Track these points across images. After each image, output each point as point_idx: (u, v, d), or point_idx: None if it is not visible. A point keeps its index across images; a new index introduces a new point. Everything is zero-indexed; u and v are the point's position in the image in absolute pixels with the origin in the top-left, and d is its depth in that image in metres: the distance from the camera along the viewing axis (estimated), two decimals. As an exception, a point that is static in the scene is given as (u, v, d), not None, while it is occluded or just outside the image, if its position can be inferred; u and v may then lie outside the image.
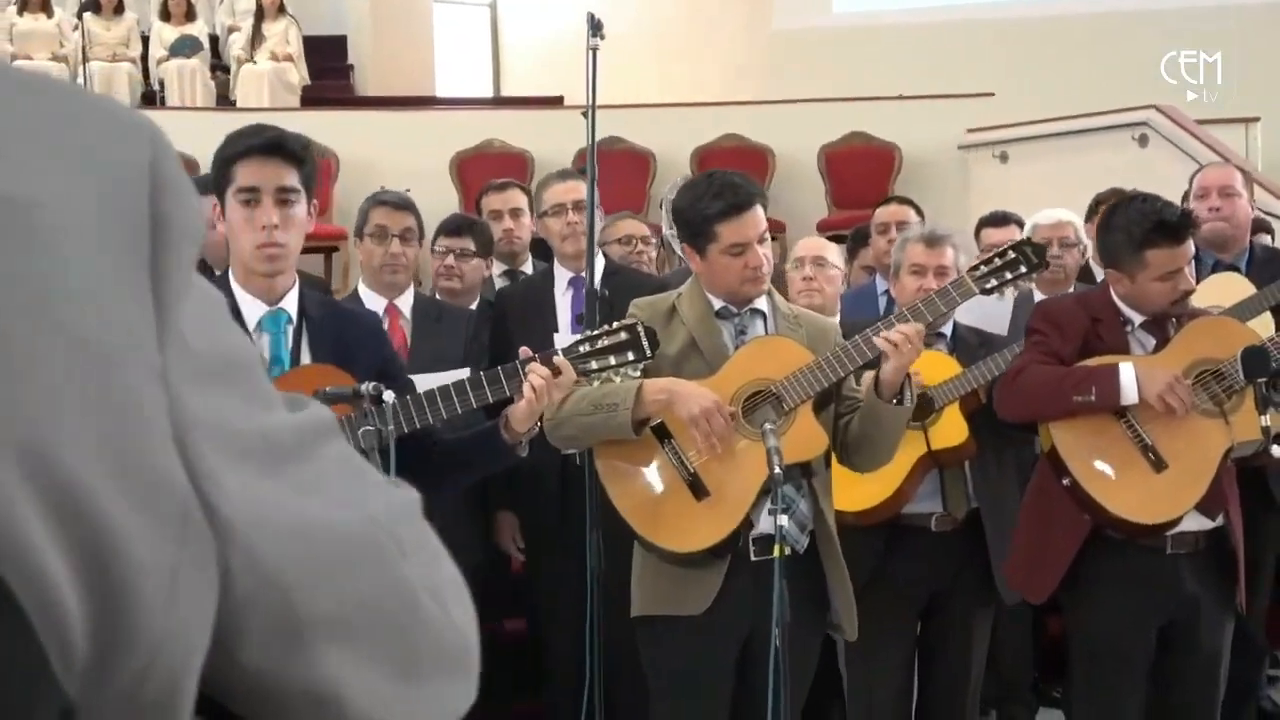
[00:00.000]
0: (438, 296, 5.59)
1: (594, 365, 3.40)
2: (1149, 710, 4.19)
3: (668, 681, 3.86)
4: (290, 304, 3.45)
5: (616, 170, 10.26)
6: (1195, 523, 4.02)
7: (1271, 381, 3.91)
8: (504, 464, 3.56)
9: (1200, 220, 5.36)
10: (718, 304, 3.90)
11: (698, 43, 13.16)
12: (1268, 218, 7.63)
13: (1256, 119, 10.35)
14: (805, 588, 3.82)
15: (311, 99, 12.75)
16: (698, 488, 3.74)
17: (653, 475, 3.79)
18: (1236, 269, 5.42)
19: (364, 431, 3.02)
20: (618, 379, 3.46)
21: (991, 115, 10.51)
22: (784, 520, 3.41)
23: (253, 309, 3.41)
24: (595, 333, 3.44)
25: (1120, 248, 4.05)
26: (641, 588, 3.88)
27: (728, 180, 3.85)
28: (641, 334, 3.43)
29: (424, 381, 3.65)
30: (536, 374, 3.35)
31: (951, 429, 4.51)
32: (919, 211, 6.24)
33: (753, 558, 3.74)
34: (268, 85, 12.76)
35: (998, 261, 3.84)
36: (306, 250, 9.41)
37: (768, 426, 3.55)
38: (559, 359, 3.38)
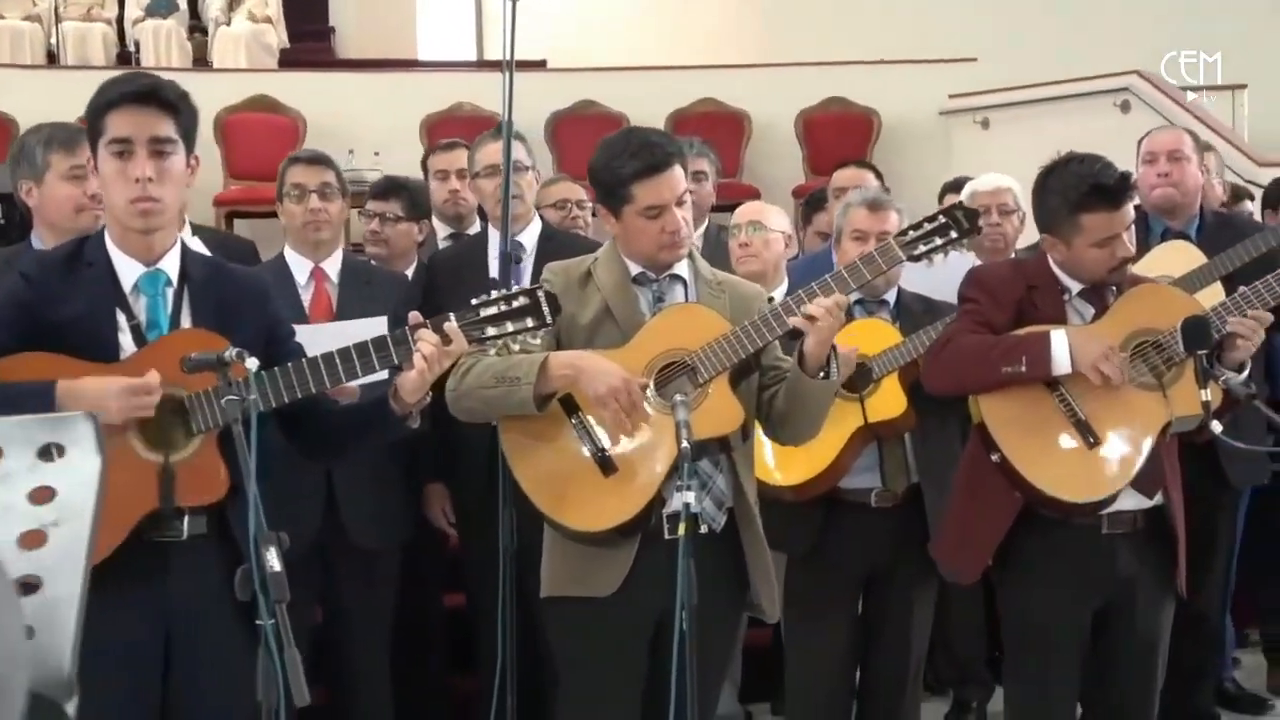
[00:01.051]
0: (371, 262, 5.44)
1: (490, 332, 3.22)
2: (1085, 695, 4.02)
3: (576, 665, 3.69)
4: (170, 264, 3.27)
5: (588, 134, 10.00)
6: (1133, 501, 3.83)
7: (1213, 354, 3.72)
8: (393, 436, 3.39)
9: (1149, 186, 5.18)
10: (635, 269, 3.72)
11: (676, 6, 12.92)
12: (1250, 186, 7.44)
13: (1244, 86, 10.16)
14: (724, 567, 3.66)
15: (290, 62, 12.56)
16: (606, 464, 3.55)
17: (559, 451, 3.59)
18: (1186, 237, 5.24)
19: (227, 401, 2.84)
20: (515, 346, 3.28)
21: (973, 81, 10.32)
22: (690, 497, 3.21)
23: (129, 269, 3.23)
24: (493, 297, 3.25)
25: (1055, 212, 3.86)
26: (550, 568, 3.71)
27: (645, 138, 3.67)
28: (542, 300, 3.25)
29: (320, 335, 3.48)
30: (426, 342, 3.16)
31: (890, 400, 4.35)
32: (879, 175, 6.05)
33: (666, 536, 3.56)
34: (244, 47, 12.57)
35: (927, 226, 3.64)
36: (267, 215, 9.35)
37: (678, 399, 3.37)
38: (449, 325, 3.19)
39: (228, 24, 12.70)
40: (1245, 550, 6.27)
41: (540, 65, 12.36)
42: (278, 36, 12.75)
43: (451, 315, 3.20)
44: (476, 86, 10.91)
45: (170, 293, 3.25)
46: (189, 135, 3.23)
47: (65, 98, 9.65)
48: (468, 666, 5.37)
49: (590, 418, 3.56)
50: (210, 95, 10.37)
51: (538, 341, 3.30)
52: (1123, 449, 3.75)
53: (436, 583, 5.49)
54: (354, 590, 4.76)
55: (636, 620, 3.58)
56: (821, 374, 3.58)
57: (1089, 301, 3.91)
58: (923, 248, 3.63)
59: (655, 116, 10.33)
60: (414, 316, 3.22)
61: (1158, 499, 3.86)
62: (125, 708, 3.11)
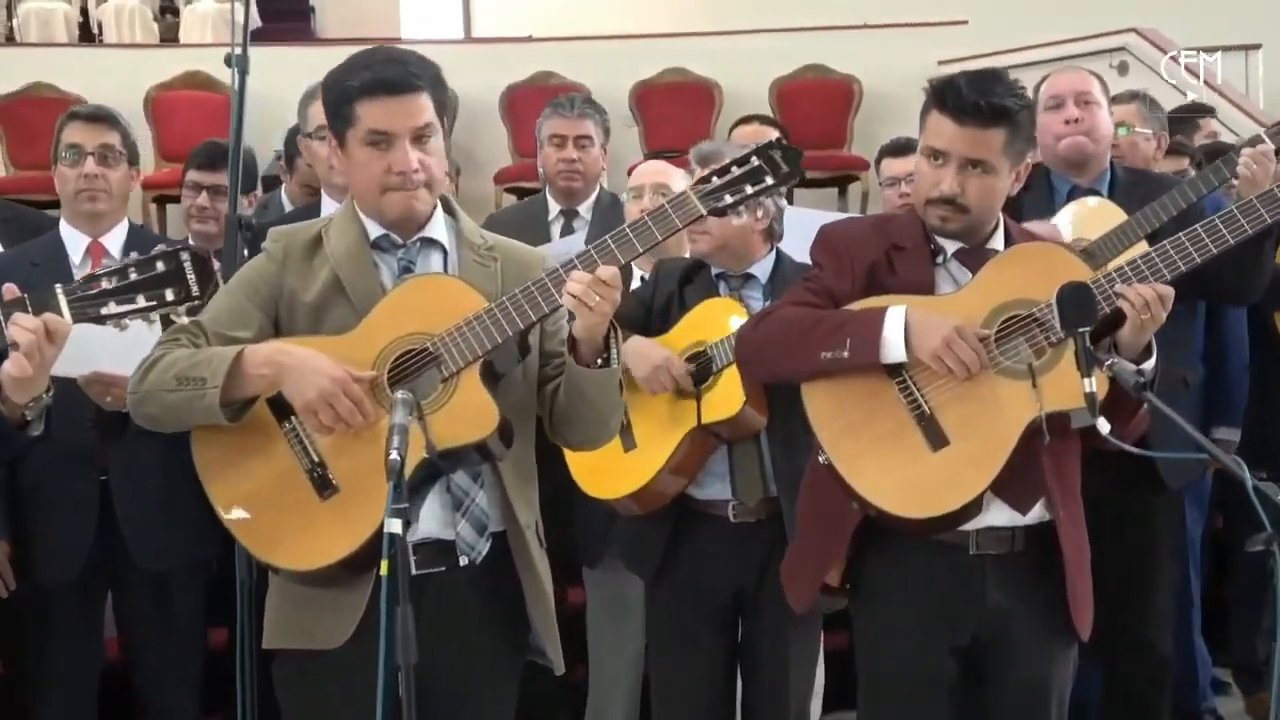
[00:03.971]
0: (190, 241, 4.75)
1: (113, 308, 2.49)
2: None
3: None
4: None
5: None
6: (1006, 516, 3.05)
7: (1110, 332, 2.94)
8: (12, 449, 2.68)
9: (1054, 135, 4.40)
10: (376, 231, 2.97)
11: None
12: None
13: (1258, 46, 9.35)
14: (493, 606, 2.94)
15: (263, 41, 11.98)
16: (322, 482, 2.81)
17: (267, 467, 2.83)
18: (1096, 193, 4.40)
19: None
20: (150, 325, 2.55)
21: (964, 45, 9.49)
22: (396, 526, 2.45)
23: None
24: (119, 264, 2.52)
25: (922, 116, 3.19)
26: (272, 612, 2.98)
27: (390, 54, 2.91)
28: (187, 265, 2.51)
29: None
30: (20, 326, 2.44)
31: (729, 397, 3.62)
32: (784, 133, 5.28)
33: (413, 570, 2.81)
34: (211, 26, 12.12)
35: (735, 171, 2.83)
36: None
37: (399, 397, 2.62)
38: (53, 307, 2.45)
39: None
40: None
41: (525, 41, 11.77)
42: (251, 15, 12.24)
43: (58, 287, 2.48)
44: (445, 62, 10.20)
45: None
46: None
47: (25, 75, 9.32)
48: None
49: (307, 422, 2.83)
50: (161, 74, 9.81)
51: (182, 319, 2.56)
52: (974, 452, 2.96)
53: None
54: (150, 619, 4.11)
55: (374, 678, 2.82)
56: (600, 361, 2.85)
57: (966, 265, 3.13)
58: (729, 198, 2.84)
59: (619, 88, 9.73)
60: (8, 289, 2.49)
61: (1042, 513, 3.08)
62: None
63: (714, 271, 3.90)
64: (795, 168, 2.86)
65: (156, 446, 3.89)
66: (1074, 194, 4.38)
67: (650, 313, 3.93)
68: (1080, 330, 2.80)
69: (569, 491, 3.93)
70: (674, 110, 9.51)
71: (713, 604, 3.84)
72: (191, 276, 2.52)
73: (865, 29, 9.93)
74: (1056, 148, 4.38)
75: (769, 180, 2.85)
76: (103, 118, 4.17)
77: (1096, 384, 2.77)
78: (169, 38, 12.50)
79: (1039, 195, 4.36)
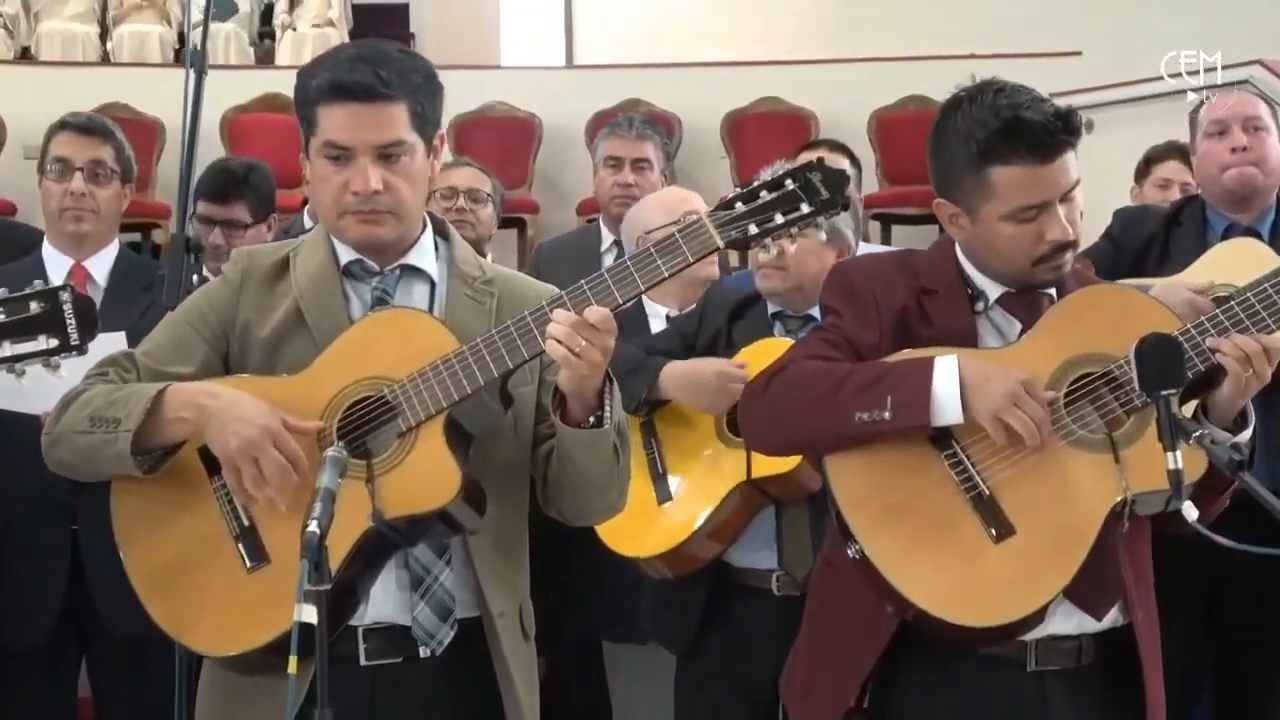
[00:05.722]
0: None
1: None
2: None
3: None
4: None
5: (635, 136, 9.09)
6: (1074, 623, 2.51)
7: (1201, 395, 2.43)
8: None
9: (1219, 165, 3.89)
10: (348, 256, 2.55)
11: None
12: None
13: None
14: (464, 706, 2.51)
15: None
16: (252, 551, 2.38)
17: (190, 530, 2.42)
18: (1256, 234, 3.88)
19: None
20: (19, 379, 2.15)
21: (1077, 76, 9.04)
22: (310, 614, 2.03)
23: None
24: None
25: (954, 162, 2.57)
26: (203, 699, 2.57)
27: (364, 52, 2.48)
28: (66, 308, 2.13)
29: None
30: None
31: None
32: (854, 161, 4.85)
33: (363, 661, 2.44)
34: (310, 48, 11.98)
35: (765, 196, 2.37)
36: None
37: (330, 454, 2.19)
38: None
39: (293, 29, 12.22)
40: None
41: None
42: (341, 39, 12.17)
43: None
44: (536, 88, 10.00)
45: None
46: None
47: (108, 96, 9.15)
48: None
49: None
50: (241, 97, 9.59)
51: (58, 372, 2.15)
52: (1046, 544, 2.42)
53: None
54: (125, 680, 3.75)
55: None
56: (592, 420, 2.39)
57: (1013, 313, 2.60)
58: (753, 228, 2.37)
59: (710, 118, 9.49)
60: None
61: (1116, 616, 2.55)
62: None
63: (770, 310, 3.49)
64: (838, 194, 2.38)
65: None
66: (1230, 232, 3.89)
67: (693, 349, 3.52)
68: (1164, 393, 2.29)
69: (596, 553, 3.51)
70: (767, 141, 9.06)
71: (750, 689, 3.41)
72: (72, 322, 2.16)
73: (971, 59, 9.43)
74: (1221, 179, 3.90)
75: (804, 208, 2.38)
76: (96, 130, 3.85)
77: (1186, 460, 2.27)
78: (265, 62, 12.35)
79: (1191, 232, 3.91)
